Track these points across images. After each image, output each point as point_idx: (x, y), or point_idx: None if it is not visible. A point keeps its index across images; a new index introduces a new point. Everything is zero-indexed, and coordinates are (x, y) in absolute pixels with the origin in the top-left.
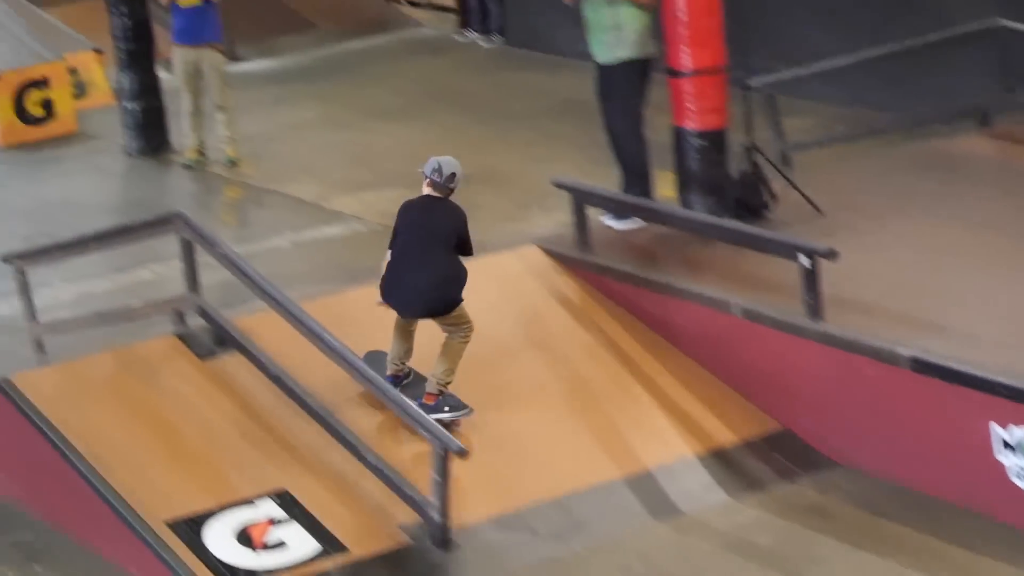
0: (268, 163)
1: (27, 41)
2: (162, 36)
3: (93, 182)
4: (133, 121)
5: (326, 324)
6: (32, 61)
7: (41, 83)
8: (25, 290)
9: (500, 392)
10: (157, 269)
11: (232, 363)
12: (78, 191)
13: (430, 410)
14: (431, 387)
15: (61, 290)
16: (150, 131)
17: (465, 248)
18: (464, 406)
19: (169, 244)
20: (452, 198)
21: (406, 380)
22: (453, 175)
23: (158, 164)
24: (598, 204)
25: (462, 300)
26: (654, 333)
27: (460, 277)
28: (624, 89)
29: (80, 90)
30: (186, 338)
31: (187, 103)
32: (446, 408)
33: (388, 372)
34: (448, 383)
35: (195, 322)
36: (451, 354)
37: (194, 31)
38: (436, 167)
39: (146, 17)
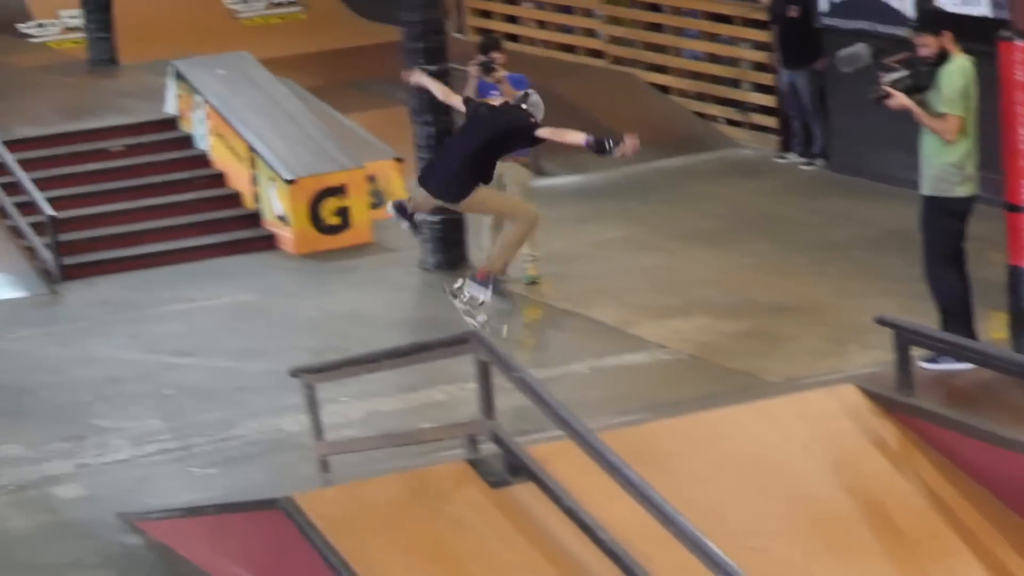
0: (569, 283)
1: (326, 147)
2: None
3: (386, 296)
4: (431, 234)
5: (625, 457)
6: (330, 168)
7: (338, 191)
8: (312, 406)
9: (812, 538)
10: (449, 390)
11: (525, 493)
12: (370, 304)
13: (478, 284)
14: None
15: (349, 407)
16: (447, 246)
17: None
18: (508, 300)
19: (463, 365)
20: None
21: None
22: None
23: (454, 280)
24: (926, 344)
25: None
26: (978, 485)
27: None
28: (950, 226)
29: (378, 199)
30: (477, 464)
31: (489, 216)
32: (490, 288)
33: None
34: (493, 270)
35: (487, 448)
36: (501, 241)
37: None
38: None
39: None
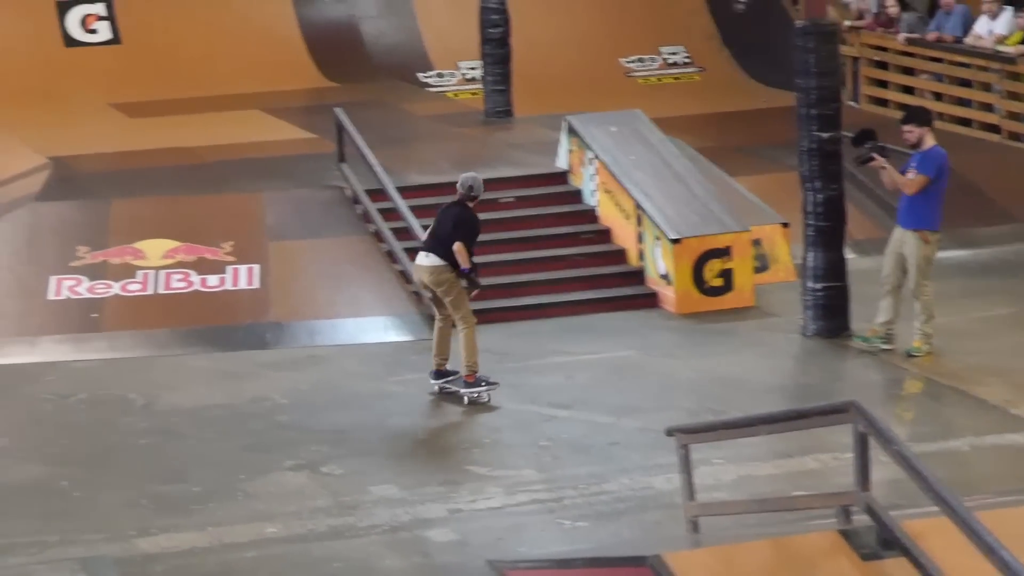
0: (950, 359)
1: (713, 208)
2: (854, 216)
3: (765, 361)
4: (813, 301)
5: (1003, 539)
6: (716, 229)
7: (723, 253)
8: (686, 466)
9: None
10: (823, 459)
11: (896, 568)
12: (748, 368)
13: (470, 385)
14: (464, 372)
15: (722, 470)
16: (831, 313)
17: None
18: (494, 382)
19: (838, 434)
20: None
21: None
22: (469, 187)
23: (835, 348)
24: None
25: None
26: None
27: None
28: None
29: (761, 264)
30: (850, 536)
31: (885, 280)
32: (483, 383)
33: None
34: (474, 368)
35: (860, 519)
36: (465, 345)
37: (901, 211)
38: (460, 182)
39: (840, 194)
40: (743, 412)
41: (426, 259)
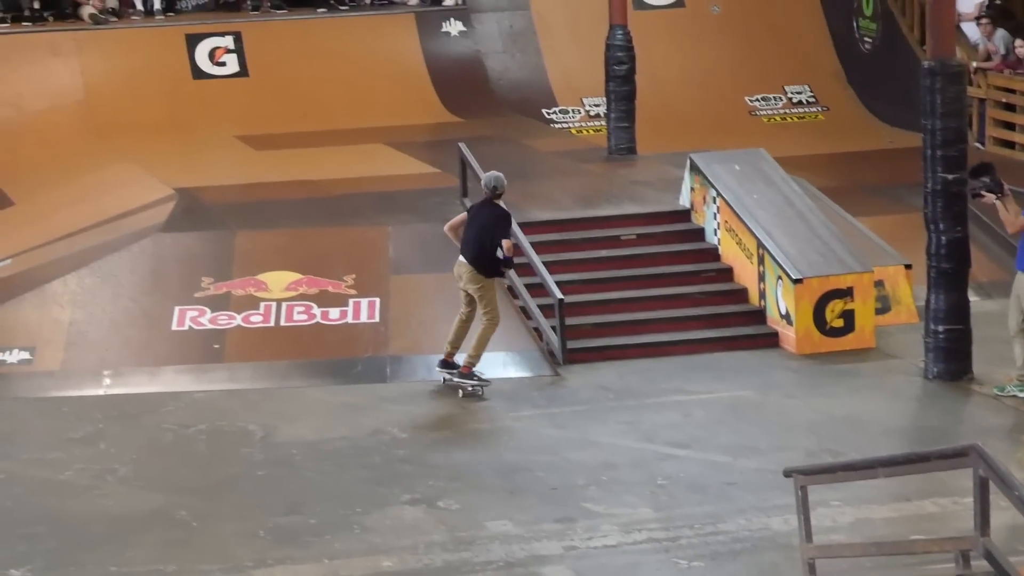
0: None
1: (836, 249)
2: (978, 258)
3: (885, 403)
4: (935, 344)
5: None
6: (838, 270)
7: (845, 293)
8: (804, 508)
9: None
10: (943, 503)
11: None
12: (868, 410)
13: (464, 376)
14: (464, 361)
15: (839, 512)
16: (953, 356)
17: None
18: (486, 380)
19: (958, 478)
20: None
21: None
22: (494, 188)
23: (956, 391)
24: None
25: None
26: None
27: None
28: None
29: (883, 305)
30: None
31: (1011, 326)
32: (475, 378)
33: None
34: (474, 363)
35: (979, 565)
36: (479, 339)
37: (1018, 254)
38: (485, 182)
39: (964, 236)
40: (862, 454)
41: (464, 260)
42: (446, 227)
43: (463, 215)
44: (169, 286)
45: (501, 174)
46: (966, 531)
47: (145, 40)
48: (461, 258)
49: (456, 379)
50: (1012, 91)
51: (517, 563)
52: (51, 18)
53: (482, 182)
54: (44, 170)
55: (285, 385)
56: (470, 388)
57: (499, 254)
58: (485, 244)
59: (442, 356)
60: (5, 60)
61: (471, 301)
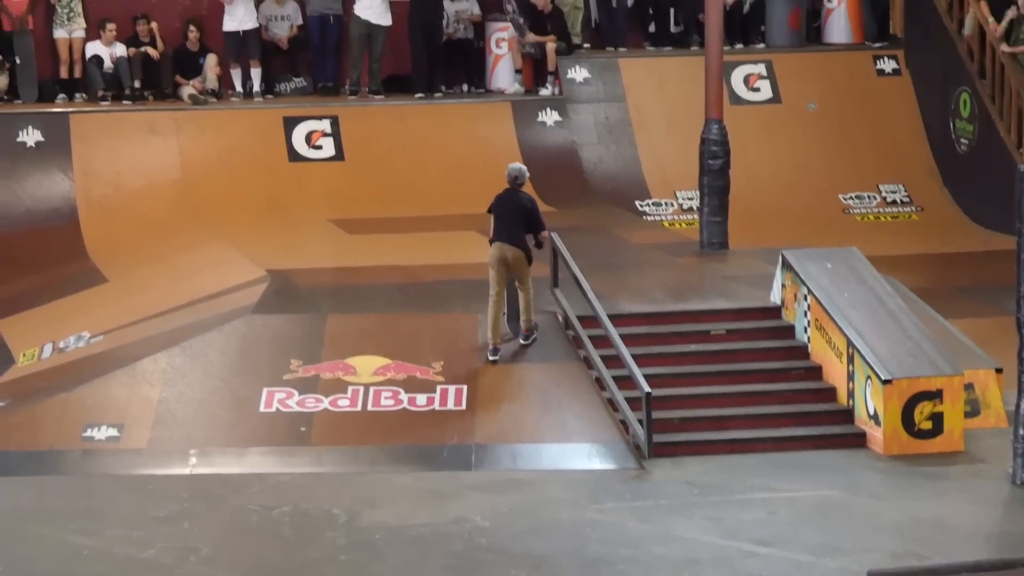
0: None
1: (926, 350)
2: None
3: (971, 507)
4: (1023, 449)
5: None
6: (928, 371)
7: (934, 395)
8: None
9: None
10: None
11: None
12: (954, 513)
13: (527, 337)
14: (525, 327)
15: None
16: None
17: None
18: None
19: None
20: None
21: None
22: (515, 177)
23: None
24: None
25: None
26: None
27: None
28: None
29: (972, 408)
30: None
31: None
32: (534, 332)
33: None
34: (531, 324)
35: None
36: (528, 305)
37: None
38: (508, 172)
39: None
40: (947, 558)
41: (512, 247)
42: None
43: (491, 218)
44: (258, 367)
45: (521, 165)
46: None
47: (243, 122)
48: (502, 243)
49: (520, 340)
50: None
51: None
52: (151, 97)
53: (508, 172)
54: (139, 248)
55: (370, 470)
56: (530, 341)
57: (536, 241)
58: (526, 226)
59: (491, 347)
60: (104, 138)
61: (500, 280)
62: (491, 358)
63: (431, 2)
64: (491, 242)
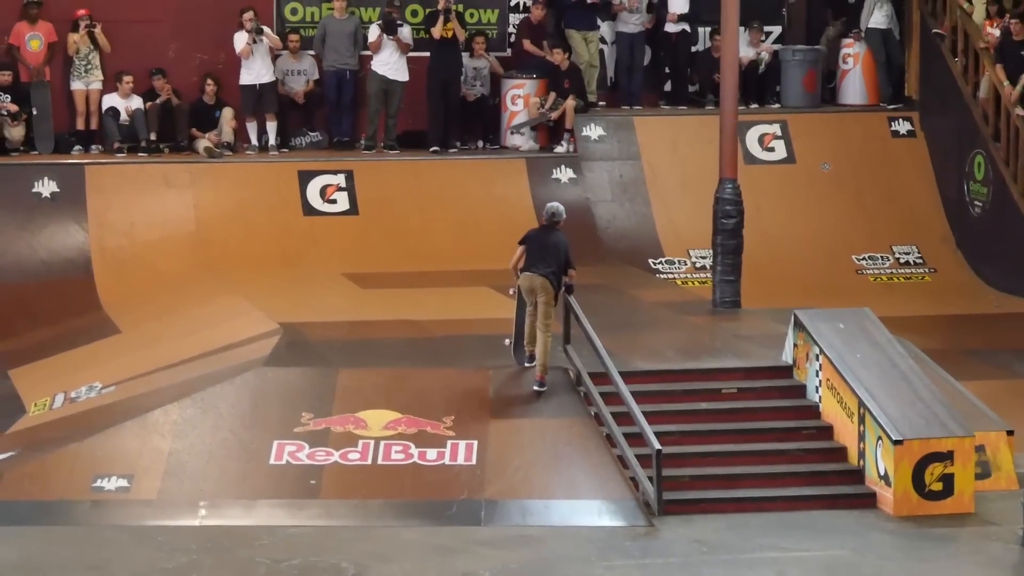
0: None
1: (937, 411)
2: None
3: (981, 569)
4: None
5: None
6: (939, 433)
7: (945, 457)
8: None
9: None
10: None
11: None
12: None
13: (542, 384)
14: (540, 371)
15: None
16: None
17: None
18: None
19: None
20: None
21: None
22: (552, 214)
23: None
24: None
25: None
26: None
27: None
28: None
29: (983, 470)
30: None
31: None
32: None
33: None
34: (545, 370)
35: None
36: (545, 351)
37: None
38: (546, 210)
39: None
40: None
41: (542, 277)
42: (511, 265)
43: (521, 248)
44: (269, 420)
45: (558, 204)
46: None
47: (258, 175)
48: (533, 274)
49: (536, 387)
50: None
51: None
52: (166, 150)
53: (546, 210)
54: (152, 300)
55: (379, 524)
56: (543, 388)
57: (565, 285)
58: (561, 263)
59: (527, 354)
60: (119, 190)
61: (535, 307)
62: (527, 364)
63: (451, 60)
64: (519, 272)
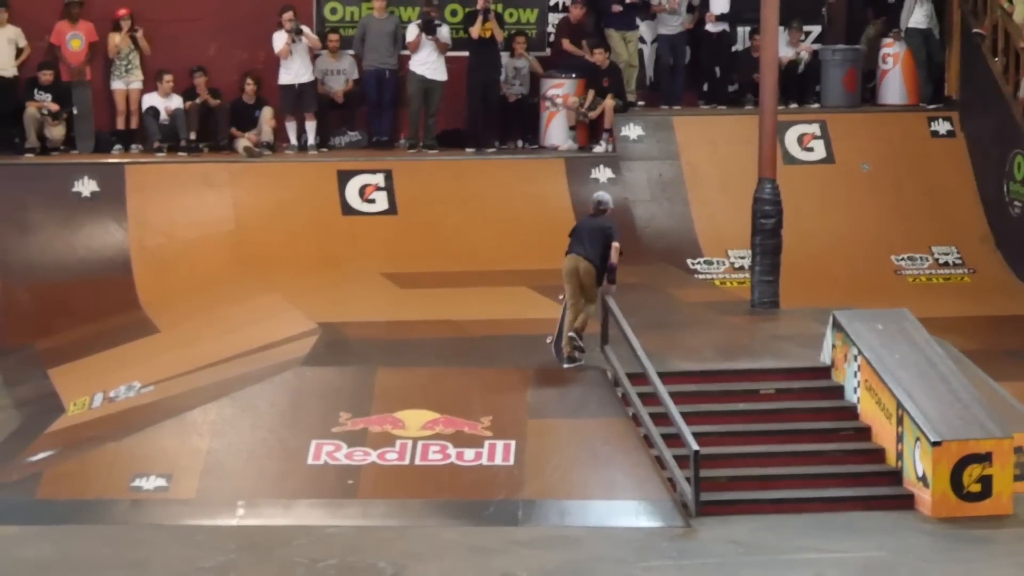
0: None
1: (976, 413)
2: None
3: (1020, 571)
4: None
5: None
6: (978, 434)
7: (983, 458)
8: None
9: None
10: None
11: None
12: None
13: (572, 360)
14: (566, 347)
15: None
16: None
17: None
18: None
19: None
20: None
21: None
22: (598, 202)
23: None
24: None
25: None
26: None
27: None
28: None
29: (1022, 472)
30: None
31: None
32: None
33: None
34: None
35: None
36: (582, 323)
37: None
38: (596, 198)
39: None
40: None
41: (585, 260)
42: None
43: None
44: (307, 419)
45: (605, 193)
46: None
47: (297, 175)
48: (578, 257)
49: (567, 365)
50: None
51: None
52: (206, 149)
53: (593, 199)
54: (191, 299)
55: (417, 524)
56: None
57: (612, 257)
58: (606, 246)
59: (566, 355)
60: (159, 189)
61: (575, 293)
62: (565, 366)
63: (491, 60)
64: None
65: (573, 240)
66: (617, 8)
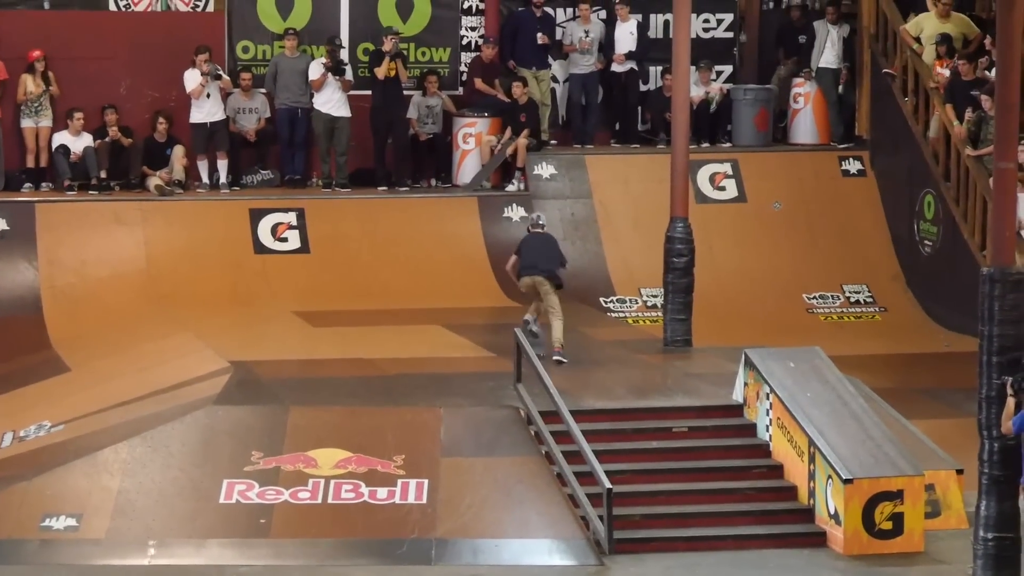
0: None
1: (887, 450)
2: None
3: None
4: (984, 551)
5: None
6: (889, 472)
7: (894, 496)
8: None
9: None
10: None
11: None
12: None
13: (559, 355)
14: (556, 344)
15: None
16: (1001, 564)
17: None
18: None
19: None
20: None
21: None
22: (537, 218)
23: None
24: None
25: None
26: None
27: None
28: None
29: (933, 509)
30: None
31: None
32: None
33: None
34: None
35: None
36: (560, 329)
37: None
38: (529, 219)
39: (1018, 444)
40: None
41: (541, 275)
42: (508, 267)
43: (515, 258)
44: (219, 458)
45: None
46: None
47: (209, 213)
48: (532, 275)
49: (556, 356)
50: None
51: None
52: (117, 187)
53: (529, 220)
54: (103, 338)
55: (330, 563)
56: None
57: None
58: (556, 257)
59: (556, 349)
60: (70, 227)
61: (540, 300)
62: (557, 359)
63: (396, 98)
64: (518, 278)
65: (524, 259)
66: (544, 39)
